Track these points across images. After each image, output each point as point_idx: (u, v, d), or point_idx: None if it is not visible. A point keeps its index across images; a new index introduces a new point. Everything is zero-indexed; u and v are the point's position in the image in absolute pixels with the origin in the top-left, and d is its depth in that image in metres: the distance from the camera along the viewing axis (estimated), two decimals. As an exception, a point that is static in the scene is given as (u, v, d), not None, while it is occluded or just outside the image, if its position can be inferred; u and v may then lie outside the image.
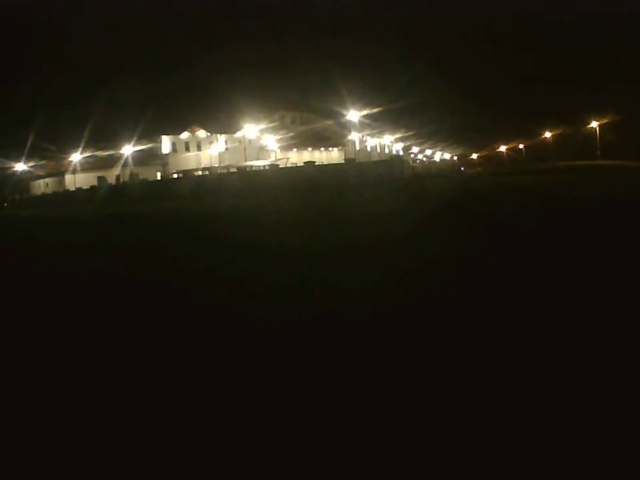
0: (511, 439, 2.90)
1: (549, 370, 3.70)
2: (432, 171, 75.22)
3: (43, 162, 71.66)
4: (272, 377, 3.97)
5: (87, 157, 68.88)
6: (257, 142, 72.81)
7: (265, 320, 5.41)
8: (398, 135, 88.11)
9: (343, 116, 67.74)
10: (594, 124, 77.80)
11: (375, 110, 67.61)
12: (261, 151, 71.86)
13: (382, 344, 4.53)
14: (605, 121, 76.45)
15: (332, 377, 3.88)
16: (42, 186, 75.45)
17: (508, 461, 2.71)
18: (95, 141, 66.29)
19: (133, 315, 6.04)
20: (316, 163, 51.88)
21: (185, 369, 4.25)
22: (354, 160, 53.71)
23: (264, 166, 58.57)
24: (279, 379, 3.92)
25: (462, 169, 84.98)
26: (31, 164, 72.25)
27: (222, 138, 72.88)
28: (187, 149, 72.94)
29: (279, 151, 71.82)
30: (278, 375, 4.00)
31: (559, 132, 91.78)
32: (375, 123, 73.15)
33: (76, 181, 66.95)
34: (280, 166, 54.39)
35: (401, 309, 5.47)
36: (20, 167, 72.23)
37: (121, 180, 64.29)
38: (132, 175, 64.86)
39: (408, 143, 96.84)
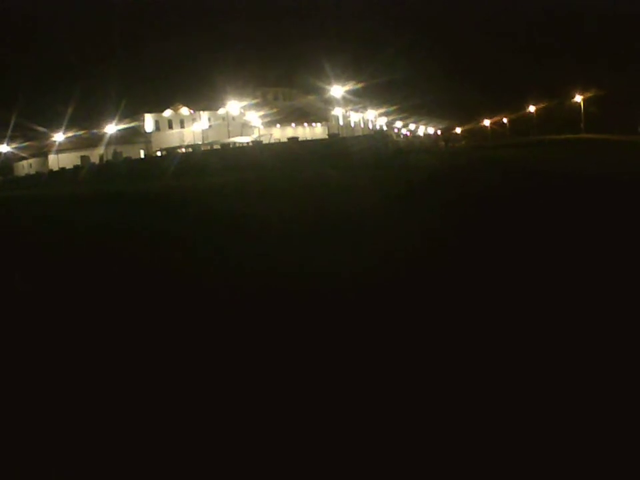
0: (488, 405, 2.93)
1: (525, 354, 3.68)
2: (415, 146, 75.36)
3: (26, 143, 71.03)
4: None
5: (70, 136, 68.42)
6: (240, 119, 72.62)
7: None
8: (381, 110, 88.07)
9: (327, 91, 67.59)
10: (578, 98, 77.96)
11: (359, 85, 67.63)
12: (244, 128, 71.70)
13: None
14: (588, 94, 76.70)
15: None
16: (25, 167, 74.89)
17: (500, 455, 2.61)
18: (78, 121, 65.98)
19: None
20: (299, 139, 51.95)
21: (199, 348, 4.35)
22: (337, 135, 53.80)
23: (247, 142, 58.57)
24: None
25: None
26: (13, 145, 71.61)
27: (205, 115, 72.68)
28: (170, 127, 72.71)
29: (262, 127, 71.69)
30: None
31: (543, 106, 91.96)
32: (359, 98, 73.15)
33: (59, 161, 66.59)
34: (263, 142, 54.41)
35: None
36: (3, 148, 71.60)
37: (105, 159, 64.01)
38: (115, 153, 64.63)
39: (391, 118, 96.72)
